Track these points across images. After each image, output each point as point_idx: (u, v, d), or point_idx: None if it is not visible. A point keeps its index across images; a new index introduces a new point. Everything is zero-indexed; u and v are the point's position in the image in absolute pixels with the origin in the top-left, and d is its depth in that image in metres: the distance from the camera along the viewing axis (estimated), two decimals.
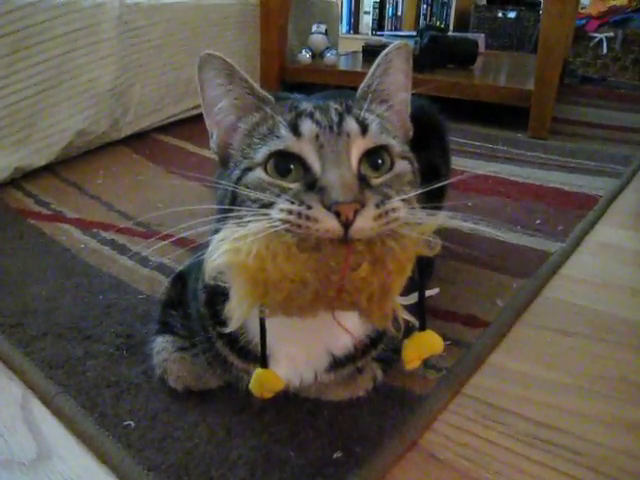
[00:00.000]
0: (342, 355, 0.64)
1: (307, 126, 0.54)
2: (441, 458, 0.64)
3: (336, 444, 0.63)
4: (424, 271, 0.54)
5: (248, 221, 0.49)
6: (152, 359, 0.72)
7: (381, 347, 0.67)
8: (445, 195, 0.99)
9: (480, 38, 2.77)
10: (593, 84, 3.00)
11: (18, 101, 1.39)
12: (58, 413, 0.69)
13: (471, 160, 1.67)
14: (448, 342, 0.81)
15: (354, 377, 0.69)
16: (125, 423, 0.66)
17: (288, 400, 0.68)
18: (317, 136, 0.53)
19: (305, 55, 2.29)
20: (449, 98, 2.01)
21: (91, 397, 0.70)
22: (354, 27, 4.51)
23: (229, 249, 0.47)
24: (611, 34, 3.12)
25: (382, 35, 3.42)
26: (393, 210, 0.49)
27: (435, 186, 0.56)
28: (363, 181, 0.52)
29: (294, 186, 0.52)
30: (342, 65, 2.42)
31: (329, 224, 0.47)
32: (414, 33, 2.62)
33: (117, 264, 1.04)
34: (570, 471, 0.62)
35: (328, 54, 2.28)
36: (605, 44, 3.12)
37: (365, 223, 0.47)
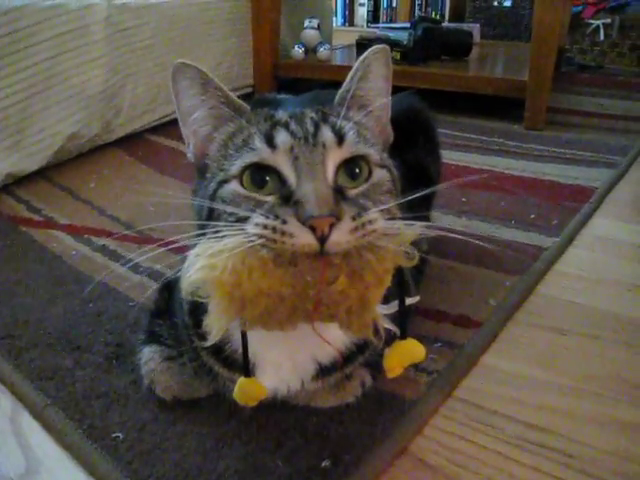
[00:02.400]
0: (328, 362, 0.64)
1: (282, 138, 0.53)
2: (431, 464, 0.63)
3: (324, 452, 0.62)
4: (408, 278, 0.54)
5: (223, 236, 0.48)
6: (140, 369, 0.71)
7: (368, 353, 0.66)
8: (434, 196, 0.99)
9: (475, 28, 2.74)
10: (590, 72, 2.97)
11: (7, 106, 1.38)
12: (47, 426, 0.69)
13: (466, 153, 1.66)
14: (439, 344, 0.81)
15: (342, 383, 0.68)
16: (114, 435, 0.66)
17: (276, 408, 0.67)
18: (292, 148, 0.52)
19: (298, 51, 2.27)
20: (443, 90, 2.00)
21: (80, 409, 0.70)
22: (349, 19, 4.48)
23: (205, 265, 0.46)
24: (608, 20, 3.08)
25: (377, 28, 3.39)
26: (370, 222, 0.48)
27: (421, 193, 0.55)
28: (339, 193, 0.51)
29: (270, 199, 0.51)
30: (336, 60, 2.40)
31: (304, 239, 0.46)
32: (408, 25, 2.59)
33: (108, 271, 1.03)
34: (561, 474, 0.62)
35: (321, 49, 2.26)
36: (602, 31, 3.09)
37: (341, 237, 0.47)
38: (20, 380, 0.75)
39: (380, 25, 3.78)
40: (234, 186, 0.53)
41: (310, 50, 2.30)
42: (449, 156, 1.57)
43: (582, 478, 0.61)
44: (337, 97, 0.62)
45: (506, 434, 0.67)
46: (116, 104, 1.69)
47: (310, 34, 2.28)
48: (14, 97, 1.39)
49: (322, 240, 0.46)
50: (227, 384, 0.66)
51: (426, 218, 0.98)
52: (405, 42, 2.22)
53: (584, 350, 0.83)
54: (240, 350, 0.61)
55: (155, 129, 1.87)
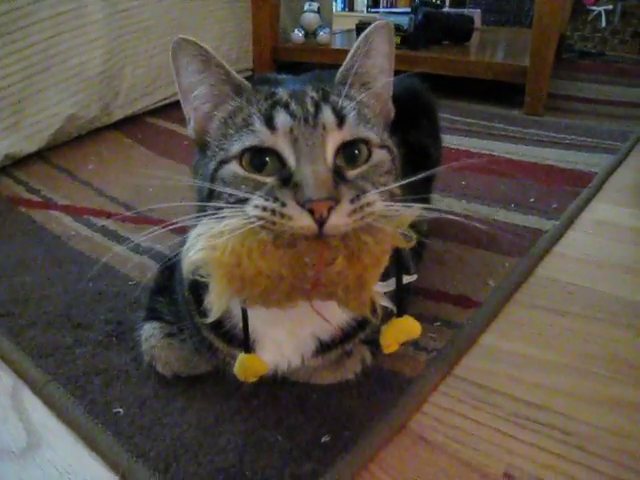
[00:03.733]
0: (328, 339, 0.64)
1: (281, 119, 0.53)
2: (430, 440, 0.64)
3: (325, 428, 0.63)
4: (406, 257, 0.54)
5: (224, 217, 0.49)
6: (141, 346, 0.72)
7: (369, 329, 0.67)
8: (434, 178, 0.98)
9: (476, 14, 2.73)
10: (592, 58, 2.95)
11: (5, 87, 1.37)
12: (48, 402, 0.69)
13: (466, 138, 1.66)
14: (439, 323, 0.81)
15: (342, 360, 0.68)
16: (114, 410, 0.66)
17: (277, 384, 0.68)
18: (292, 129, 0.52)
19: (298, 34, 2.25)
20: (444, 75, 1.99)
21: (81, 385, 0.70)
22: (349, 4, 4.43)
23: (206, 246, 0.47)
24: (610, 7, 3.06)
25: (377, 12, 3.37)
26: (368, 204, 0.49)
27: (422, 175, 0.55)
28: (338, 175, 0.51)
29: (269, 180, 0.51)
30: (335, 44, 2.38)
31: (303, 222, 0.47)
32: (409, 10, 2.57)
33: (108, 251, 1.03)
34: (559, 451, 0.62)
35: (321, 33, 2.24)
36: (604, 17, 3.07)
37: (340, 219, 0.47)
38: (21, 357, 0.75)
39: (380, 10, 3.75)
40: (234, 167, 0.53)
41: (310, 34, 2.28)
42: (449, 140, 1.57)
43: (579, 454, 0.62)
44: (338, 74, 0.61)
45: (504, 411, 0.68)
46: (115, 86, 1.68)
47: (310, 17, 2.26)
48: (12, 78, 1.38)
49: (321, 223, 0.47)
50: (227, 360, 0.66)
51: (426, 200, 0.98)
52: (406, 27, 2.20)
53: (582, 331, 0.83)
54: (240, 325, 0.61)
55: (154, 111, 1.86)
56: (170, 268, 0.77)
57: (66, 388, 0.69)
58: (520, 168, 1.43)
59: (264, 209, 0.48)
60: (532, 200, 1.23)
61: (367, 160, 0.55)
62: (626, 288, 0.93)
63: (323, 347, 0.64)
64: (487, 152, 1.54)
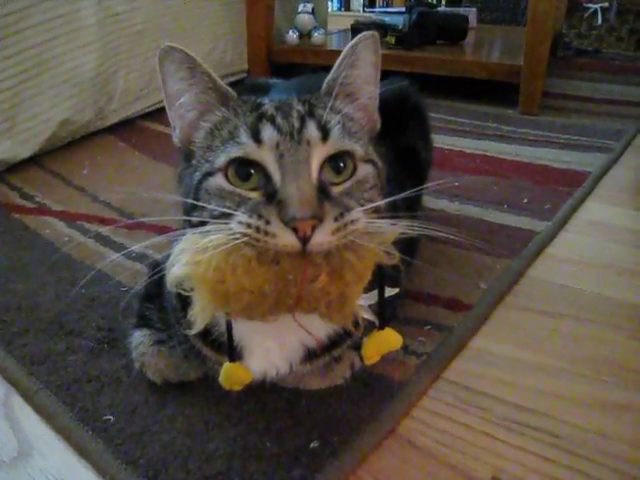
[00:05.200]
0: (316, 346, 0.64)
1: (268, 133, 0.53)
2: (419, 445, 0.64)
3: (313, 433, 0.63)
4: (397, 269, 0.55)
5: (208, 231, 0.49)
6: (131, 353, 0.72)
7: (357, 335, 0.67)
8: (425, 180, 0.99)
9: (471, 12, 2.72)
10: (588, 56, 2.95)
11: None
12: (39, 409, 0.69)
13: (460, 138, 1.65)
14: (429, 327, 0.81)
15: (331, 366, 0.69)
16: (105, 418, 0.66)
17: (266, 390, 0.68)
18: (277, 144, 0.52)
19: (292, 35, 2.25)
20: (438, 75, 1.99)
21: (72, 392, 0.70)
22: (345, 4, 4.44)
23: (189, 261, 0.48)
24: (605, 4, 3.06)
25: (373, 12, 3.36)
26: (352, 222, 0.49)
27: (409, 193, 0.56)
28: (323, 192, 0.51)
29: (254, 195, 0.52)
30: (330, 45, 2.38)
31: (287, 240, 0.47)
32: (404, 9, 2.57)
33: (101, 256, 1.03)
34: (548, 454, 0.63)
35: (316, 34, 2.24)
36: (600, 15, 3.07)
37: (323, 237, 0.48)
38: (12, 365, 0.75)
39: (376, 9, 3.75)
40: (219, 180, 0.54)
41: (304, 35, 2.28)
42: (443, 140, 1.57)
43: (569, 458, 0.62)
44: (325, 84, 0.61)
45: (494, 415, 0.68)
46: (109, 90, 1.68)
47: (304, 19, 2.26)
48: (5, 83, 1.38)
49: (304, 240, 0.47)
50: (216, 367, 0.66)
51: (417, 202, 0.98)
52: (400, 26, 2.20)
53: (573, 333, 0.83)
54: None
55: (148, 115, 1.86)
56: (157, 273, 0.77)
57: (57, 396, 0.70)
58: (514, 168, 1.43)
59: (248, 226, 0.48)
60: (525, 201, 1.23)
61: (352, 175, 0.55)
62: (618, 289, 0.94)
63: (311, 354, 0.65)
64: (481, 152, 1.54)
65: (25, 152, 1.45)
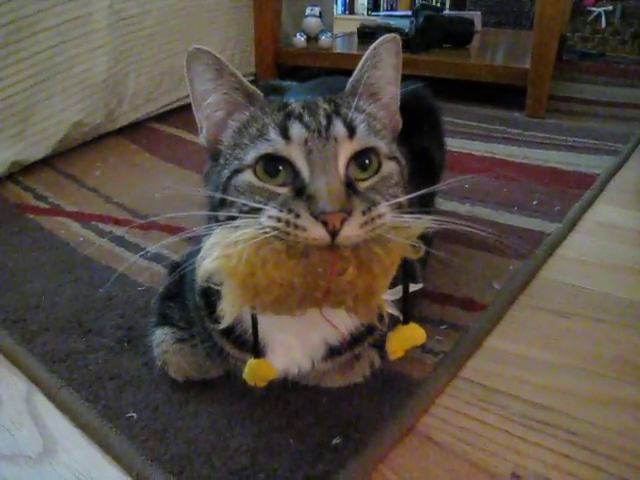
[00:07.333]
0: (338, 343, 0.65)
1: (296, 130, 0.54)
2: (438, 441, 0.65)
3: (335, 430, 0.64)
4: (414, 267, 0.56)
5: (237, 226, 0.50)
6: (152, 351, 0.73)
7: (377, 334, 0.68)
8: (438, 182, 1.00)
9: (476, 16, 2.73)
10: (592, 60, 2.96)
11: (12, 95, 1.39)
12: (62, 406, 0.70)
13: (468, 141, 1.67)
14: (445, 326, 0.82)
15: (352, 364, 0.70)
16: (128, 415, 0.67)
17: (287, 388, 0.69)
18: (306, 140, 0.53)
19: (300, 39, 2.27)
20: (444, 78, 2.00)
21: (94, 390, 0.71)
22: (349, 7, 4.45)
23: (220, 255, 0.49)
24: (610, 7, 3.07)
25: (378, 15, 3.38)
26: (379, 216, 0.51)
27: (424, 191, 0.58)
28: (350, 187, 0.53)
29: (283, 191, 0.53)
30: (337, 48, 2.39)
31: (317, 233, 0.48)
32: (409, 13, 2.58)
33: (116, 256, 1.05)
34: (565, 451, 0.63)
35: (323, 37, 2.26)
36: (604, 18, 3.08)
37: (352, 231, 0.49)
38: (34, 363, 0.76)
39: (381, 13, 3.76)
40: (248, 176, 0.55)
41: (312, 38, 2.29)
42: (452, 143, 1.57)
43: (585, 454, 0.63)
44: (348, 86, 0.63)
45: (511, 412, 0.69)
46: (119, 92, 1.69)
47: (312, 22, 2.28)
48: (18, 86, 1.40)
49: (333, 234, 0.48)
50: (238, 364, 0.67)
51: (430, 204, 1.00)
52: (407, 30, 2.22)
53: (586, 332, 0.84)
54: (250, 331, 0.62)
55: (159, 117, 1.88)
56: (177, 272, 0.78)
57: (80, 393, 0.71)
58: (522, 170, 1.44)
59: (278, 220, 0.49)
60: (535, 203, 1.24)
61: (377, 171, 0.56)
62: (629, 289, 0.95)
63: (333, 351, 0.66)
64: (489, 155, 1.55)
65: (38, 154, 1.46)
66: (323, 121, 0.55)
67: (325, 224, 0.48)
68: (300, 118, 0.55)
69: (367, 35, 2.45)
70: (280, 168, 0.54)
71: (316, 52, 2.26)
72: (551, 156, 1.54)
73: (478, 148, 1.61)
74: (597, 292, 0.94)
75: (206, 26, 2.00)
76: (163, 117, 1.88)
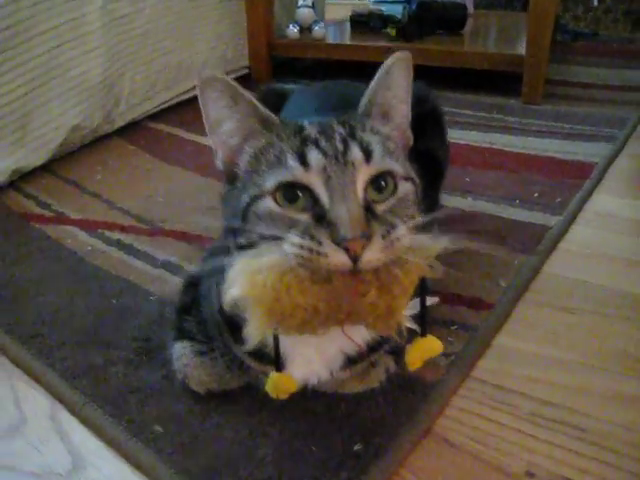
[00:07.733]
0: (355, 353, 0.67)
1: (314, 157, 0.55)
2: (454, 442, 0.67)
3: (355, 436, 0.66)
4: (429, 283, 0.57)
5: (260, 253, 0.52)
6: (172, 365, 0.74)
7: (393, 341, 0.70)
8: (442, 178, 1.02)
9: None
10: (585, 39, 2.95)
11: (9, 102, 1.38)
12: (87, 422, 0.72)
13: (465, 131, 1.67)
14: (455, 327, 0.85)
15: (368, 370, 0.72)
16: (153, 428, 0.69)
17: (306, 396, 0.71)
18: (325, 167, 0.54)
19: (293, 30, 2.25)
20: (437, 66, 1.99)
21: (117, 404, 0.73)
22: None
23: (245, 282, 0.50)
24: None
25: (369, 1, 3.34)
26: (398, 239, 0.52)
27: (426, 219, 0.59)
28: (369, 211, 0.54)
29: (303, 217, 0.54)
30: (330, 38, 2.37)
31: (339, 259, 0.50)
32: None
33: (125, 265, 1.05)
34: (575, 447, 0.66)
35: (316, 27, 2.24)
36: None
37: (373, 255, 0.50)
38: (55, 379, 0.78)
39: None
40: (269, 203, 0.56)
41: (305, 29, 2.28)
42: (449, 135, 1.57)
43: (595, 450, 0.65)
44: (361, 106, 0.63)
45: (522, 411, 0.71)
46: (116, 93, 1.69)
47: (304, 12, 2.26)
48: (15, 92, 1.39)
49: (355, 259, 0.50)
50: (259, 376, 0.69)
51: (436, 202, 1.01)
52: (400, 17, 2.20)
53: (591, 327, 0.86)
54: (270, 345, 0.64)
55: (155, 116, 1.87)
56: (193, 285, 0.79)
57: (103, 409, 0.72)
58: (522, 161, 1.45)
59: (301, 247, 0.51)
60: (536, 195, 1.25)
61: (393, 193, 0.57)
62: (632, 282, 0.96)
63: (350, 360, 0.68)
64: (487, 145, 1.56)
65: (38, 160, 1.46)
66: (340, 146, 0.56)
67: (347, 250, 0.49)
68: (317, 144, 0.56)
69: (360, 23, 2.43)
70: (299, 194, 0.55)
71: (309, 43, 2.24)
72: (549, 145, 1.55)
73: (476, 139, 1.61)
74: (601, 286, 0.95)
75: (198, 22, 1.98)
76: (159, 116, 1.88)
